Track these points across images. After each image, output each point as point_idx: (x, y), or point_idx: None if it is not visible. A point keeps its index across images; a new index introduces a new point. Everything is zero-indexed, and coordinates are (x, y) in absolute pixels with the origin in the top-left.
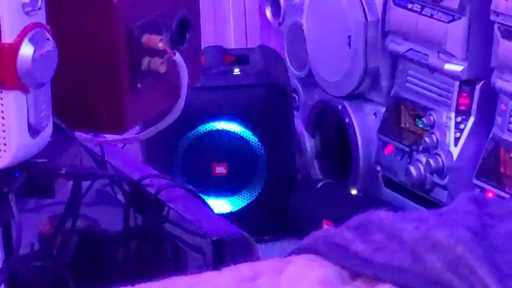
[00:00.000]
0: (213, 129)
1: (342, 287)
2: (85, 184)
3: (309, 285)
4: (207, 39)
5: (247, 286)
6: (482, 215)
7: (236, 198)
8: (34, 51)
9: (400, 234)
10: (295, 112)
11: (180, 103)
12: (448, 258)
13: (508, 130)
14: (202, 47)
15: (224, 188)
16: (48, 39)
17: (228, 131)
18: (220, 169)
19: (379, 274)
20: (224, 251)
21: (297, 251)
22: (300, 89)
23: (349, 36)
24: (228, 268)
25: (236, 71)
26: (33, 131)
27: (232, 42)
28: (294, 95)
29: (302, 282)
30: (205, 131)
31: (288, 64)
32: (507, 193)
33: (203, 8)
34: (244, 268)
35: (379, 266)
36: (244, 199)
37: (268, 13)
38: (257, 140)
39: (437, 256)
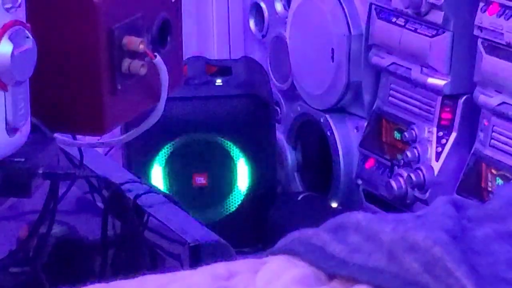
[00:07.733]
0: (194, 139)
1: (318, 287)
2: (64, 188)
3: (285, 285)
4: (190, 49)
5: (222, 285)
6: (460, 218)
7: (215, 209)
8: (13, 49)
9: (377, 235)
10: (276, 125)
11: (160, 106)
12: (425, 260)
13: (490, 145)
14: (185, 57)
15: (204, 198)
16: (27, 37)
17: (209, 142)
18: (200, 180)
19: (356, 275)
20: (202, 257)
21: (273, 252)
22: (282, 101)
23: (332, 49)
24: (203, 267)
25: (218, 81)
26: (11, 129)
27: (215, 52)
28: (276, 107)
29: (278, 282)
30: (186, 141)
31: (271, 76)
32: None
33: (186, 19)
34: (219, 267)
35: (355, 267)
36: (224, 210)
37: (251, 24)
38: (238, 151)
39: (414, 257)
